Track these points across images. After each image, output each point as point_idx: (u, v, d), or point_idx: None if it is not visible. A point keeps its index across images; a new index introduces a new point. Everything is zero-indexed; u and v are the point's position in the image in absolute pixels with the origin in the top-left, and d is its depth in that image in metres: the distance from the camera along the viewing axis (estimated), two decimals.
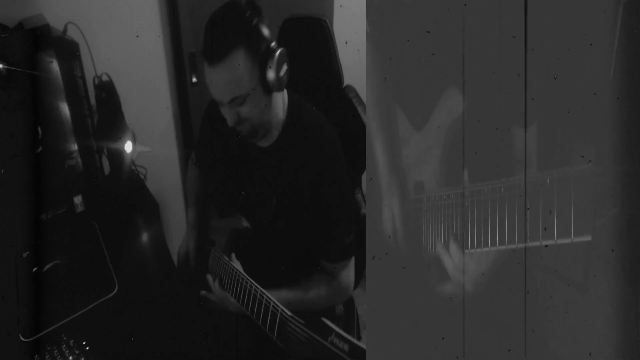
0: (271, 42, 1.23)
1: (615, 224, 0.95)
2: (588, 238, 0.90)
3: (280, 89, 1.26)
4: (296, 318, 1.08)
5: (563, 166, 0.93)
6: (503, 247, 1.00)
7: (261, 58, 1.21)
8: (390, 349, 1.16)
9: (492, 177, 1.03)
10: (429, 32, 1.12)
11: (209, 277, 1.36)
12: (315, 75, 1.53)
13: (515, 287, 1.10)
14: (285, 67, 1.25)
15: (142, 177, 1.64)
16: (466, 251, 1.04)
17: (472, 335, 1.13)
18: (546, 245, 1.03)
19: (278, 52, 1.22)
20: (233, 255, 1.34)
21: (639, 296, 1.05)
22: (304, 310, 1.31)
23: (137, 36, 1.62)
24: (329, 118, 1.37)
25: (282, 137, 1.33)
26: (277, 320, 1.12)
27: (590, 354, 1.07)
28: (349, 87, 1.54)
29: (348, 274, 1.35)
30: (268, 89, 1.23)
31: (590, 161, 0.93)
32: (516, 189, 0.98)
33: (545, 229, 0.93)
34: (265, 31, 1.22)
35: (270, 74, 1.22)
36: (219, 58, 1.19)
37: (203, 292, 1.37)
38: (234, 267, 1.30)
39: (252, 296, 1.22)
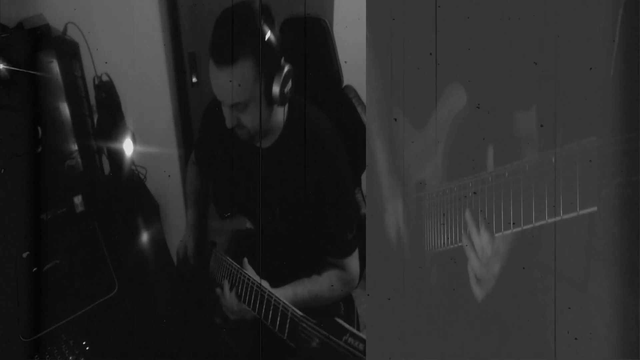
0: (280, 57, 1.24)
1: (620, 192, 0.96)
2: (594, 209, 0.90)
3: (282, 104, 1.28)
4: (308, 318, 1.08)
5: (566, 146, 0.93)
6: (509, 232, 1.01)
7: (268, 72, 1.23)
8: (391, 348, 1.16)
9: (498, 164, 1.04)
10: (432, 27, 1.12)
11: (225, 286, 1.34)
12: (315, 75, 1.52)
13: (519, 285, 1.10)
14: (290, 84, 1.26)
15: (142, 177, 1.64)
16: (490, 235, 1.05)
17: (472, 335, 1.13)
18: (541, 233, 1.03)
19: (286, 69, 1.24)
20: (245, 260, 1.33)
21: (639, 296, 1.04)
22: (320, 306, 1.31)
23: (137, 36, 1.62)
24: (329, 118, 1.37)
25: (282, 137, 1.33)
26: (288, 321, 1.12)
27: (590, 354, 1.07)
28: (349, 87, 1.54)
29: (354, 263, 1.36)
30: (270, 101, 1.25)
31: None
32: (521, 172, 0.98)
33: (553, 206, 0.93)
34: (276, 46, 1.23)
35: (275, 89, 1.23)
36: (226, 62, 1.20)
37: (218, 321, 1.37)
38: (246, 273, 1.29)
39: (259, 297, 1.22)
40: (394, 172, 1.20)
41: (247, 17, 1.23)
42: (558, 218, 0.94)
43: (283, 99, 1.26)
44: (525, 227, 0.99)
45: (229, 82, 1.22)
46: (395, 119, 1.10)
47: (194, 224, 1.53)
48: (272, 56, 1.23)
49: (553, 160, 0.94)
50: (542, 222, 0.96)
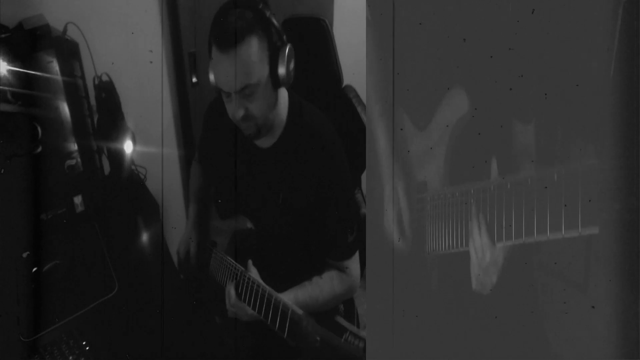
0: (282, 35, 1.23)
1: (620, 217, 0.97)
2: (595, 231, 0.91)
3: (288, 84, 1.26)
4: (308, 317, 1.08)
5: (569, 162, 0.94)
6: (510, 243, 1.02)
7: (272, 52, 1.22)
8: (391, 348, 1.16)
9: (501, 173, 1.04)
10: (433, 29, 1.13)
11: (228, 285, 1.34)
12: (315, 75, 1.52)
13: (519, 285, 1.11)
14: (292, 64, 1.25)
15: (142, 177, 1.64)
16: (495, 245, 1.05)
17: (472, 336, 1.13)
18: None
19: (288, 47, 1.23)
20: (250, 262, 1.32)
21: (639, 296, 1.05)
22: (321, 311, 1.31)
23: (137, 36, 1.62)
24: (329, 118, 1.37)
25: (283, 137, 1.33)
26: (288, 319, 1.12)
27: (590, 354, 1.07)
28: (348, 87, 1.54)
29: (355, 266, 1.36)
30: (277, 83, 1.24)
31: (593, 158, 0.94)
32: (523, 185, 0.98)
33: (553, 223, 0.94)
34: (277, 24, 1.23)
35: (281, 69, 1.22)
36: (232, 44, 1.19)
37: (219, 320, 1.37)
38: (250, 275, 1.29)
39: (259, 296, 1.22)
40: (394, 172, 1.20)
41: (247, 4, 1.22)
42: (559, 236, 0.94)
43: (289, 78, 1.25)
44: (526, 241, 0.99)
45: (235, 66, 1.21)
46: (401, 129, 1.11)
47: (196, 222, 1.53)
48: (274, 34, 1.22)
49: (555, 178, 0.94)
50: (544, 238, 0.96)
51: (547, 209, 0.95)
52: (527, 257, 1.09)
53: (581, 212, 0.91)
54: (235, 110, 1.25)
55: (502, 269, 1.07)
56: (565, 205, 0.93)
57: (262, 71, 1.21)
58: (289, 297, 1.24)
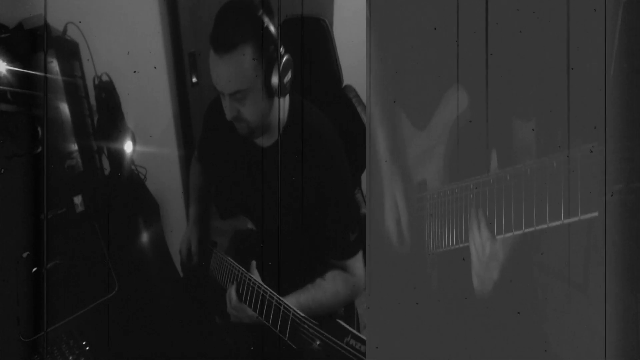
0: (280, 47, 1.23)
1: (621, 199, 0.97)
2: (595, 214, 0.91)
3: (282, 95, 1.27)
4: (310, 319, 1.08)
5: (568, 149, 0.95)
6: (510, 235, 1.02)
7: (267, 61, 1.22)
8: (391, 349, 1.16)
9: (501, 167, 1.05)
10: (433, 29, 1.13)
11: (228, 286, 1.34)
12: (315, 75, 1.52)
13: (519, 285, 1.11)
14: (289, 75, 1.26)
15: (142, 177, 1.64)
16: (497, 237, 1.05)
17: (472, 336, 1.13)
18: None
19: (285, 59, 1.23)
20: (253, 263, 1.32)
21: (639, 296, 1.05)
22: (325, 313, 1.30)
23: (137, 36, 1.62)
24: (329, 118, 1.37)
25: (283, 137, 1.33)
26: (289, 322, 1.12)
27: (590, 354, 1.07)
28: (348, 87, 1.54)
29: (359, 265, 1.35)
30: (271, 92, 1.24)
31: (593, 146, 0.94)
32: (522, 175, 0.99)
33: (552, 210, 0.94)
34: (275, 35, 1.23)
35: (274, 79, 1.23)
36: (226, 49, 1.20)
37: (219, 320, 1.37)
38: (251, 276, 1.29)
39: (260, 298, 1.22)
40: (395, 172, 1.20)
41: (247, 10, 1.22)
42: (559, 222, 0.94)
43: (283, 90, 1.25)
44: (526, 230, 0.99)
45: (228, 70, 1.22)
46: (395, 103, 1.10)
47: (197, 220, 1.53)
48: (271, 45, 1.22)
49: (554, 165, 0.94)
50: (544, 226, 0.97)
51: (547, 197, 0.95)
52: (527, 257, 1.09)
53: (580, 198, 0.91)
54: (227, 111, 1.26)
55: (503, 264, 1.07)
56: (565, 192, 0.93)
57: (254, 79, 1.22)
58: (291, 302, 1.24)
